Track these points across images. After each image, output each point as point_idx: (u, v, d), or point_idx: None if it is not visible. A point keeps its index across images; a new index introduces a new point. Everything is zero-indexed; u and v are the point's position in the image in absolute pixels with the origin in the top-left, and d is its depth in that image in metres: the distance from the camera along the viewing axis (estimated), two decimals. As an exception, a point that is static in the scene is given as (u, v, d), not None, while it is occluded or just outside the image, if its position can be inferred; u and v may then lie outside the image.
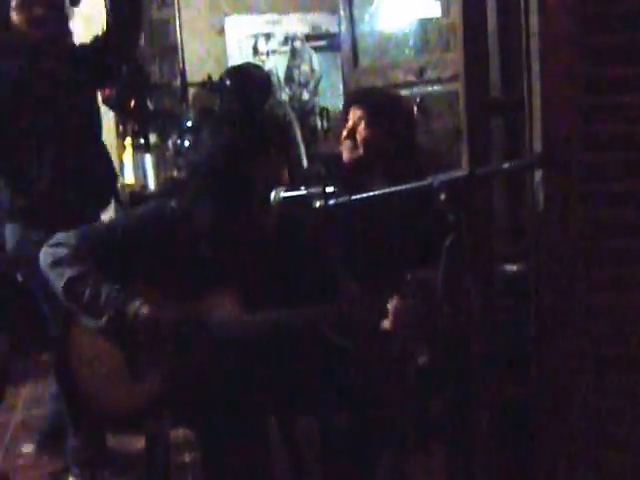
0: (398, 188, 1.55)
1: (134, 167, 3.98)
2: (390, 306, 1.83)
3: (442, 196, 1.37)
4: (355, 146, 2.45)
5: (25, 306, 4.05)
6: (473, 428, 2.00)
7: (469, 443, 1.99)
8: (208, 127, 2.03)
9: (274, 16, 4.49)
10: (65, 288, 1.82)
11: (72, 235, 1.91)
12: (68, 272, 1.82)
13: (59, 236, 1.90)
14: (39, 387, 3.82)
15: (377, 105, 2.47)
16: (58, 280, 1.83)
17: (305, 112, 4.51)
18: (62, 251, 1.85)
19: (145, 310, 1.80)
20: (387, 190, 1.58)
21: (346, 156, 2.47)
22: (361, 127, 2.43)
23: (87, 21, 4.19)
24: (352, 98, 2.59)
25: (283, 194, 1.82)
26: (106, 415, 1.92)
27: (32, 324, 4.03)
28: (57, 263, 1.83)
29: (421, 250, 2.43)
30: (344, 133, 2.47)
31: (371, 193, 1.62)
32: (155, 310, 1.81)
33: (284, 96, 4.52)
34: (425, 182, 1.42)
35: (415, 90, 3.57)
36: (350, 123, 2.45)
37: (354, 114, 2.46)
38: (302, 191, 1.79)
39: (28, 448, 3.11)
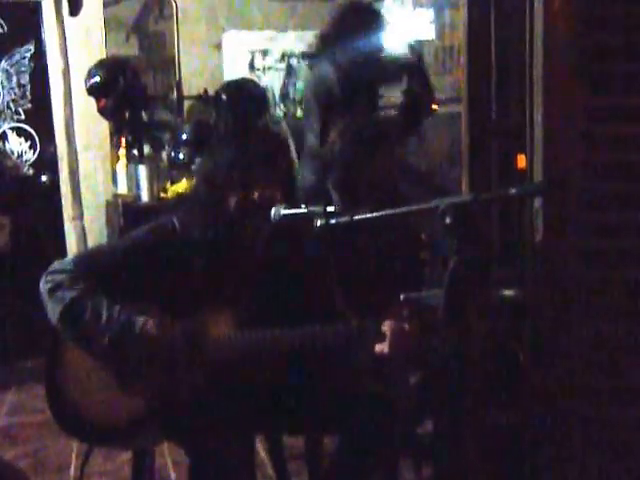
0: (403, 209, 1.56)
1: (127, 178, 3.97)
2: (386, 329, 1.84)
3: (447, 219, 1.38)
4: None
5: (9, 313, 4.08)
6: (463, 452, 2.01)
7: (459, 466, 1.99)
8: (208, 143, 2.03)
9: (271, 33, 4.51)
10: (64, 311, 1.80)
11: (70, 261, 1.90)
12: (68, 295, 1.81)
13: (56, 264, 1.88)
14: (22, 394, 3.80)
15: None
16: (57, 305, 1.81)
17: (298, 129, 4.53)
18: (60, 277, 1.83)
19: (151, 328, 1.80)
20: (390, 211, 1.59)
21: None
22: None
23: (87, 32, 4.21)
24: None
25: (283, 211, 1.83)
26: (93, 427, 1.90)
27: (16, 331, 4.05)
28: (56, 288, 1.82)
29: (407, 273, 2.47)
30: None
31: (374, 214, 1.63)
32: (161, 327, 1.81)
33: (279, 112, 4.54)
34: (431, 205, 1.43)
35: (410, 111, 3.60)
36: None
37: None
38: (302, 209, 1.79)
39: (10, 455, 3.09)
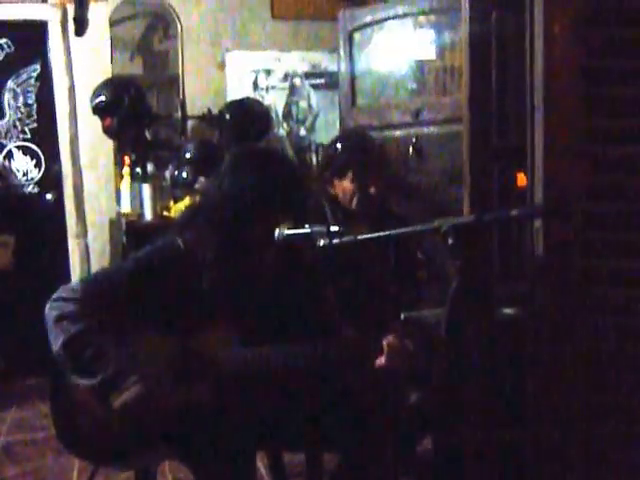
0: (404, 230, 1.58)
1: (131, 196, 4.00)
2: (385, 343, 1.87)
3: (450, 240, 1.40)
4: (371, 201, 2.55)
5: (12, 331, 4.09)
6: (463, 469, 2.02)
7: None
8: (212, 163, 2.04)
9: (275, 53, 4.55)
10: (67, 342, 1.78)
11: (78, 288, 1.88)
12: (73, 328, 1.79)
13: (63, 290, 1.87)
14: (23, 412, 3.80)
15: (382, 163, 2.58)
16: (61, 335, 1.79)
17: (301, 148, 4.57)
18: (68, 307, 1.82)
19: (138, 389, 1.77)
20: (392, 232, 1.61)
21: (355, 208, 2.55)
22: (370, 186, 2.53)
23: (93, 52, 4.26)
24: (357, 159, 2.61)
25: (287, 231, 1.85)
26: (96, 446, 1.90)
27: (19, 349, 4.06)
28: (62, 318, 1.81)
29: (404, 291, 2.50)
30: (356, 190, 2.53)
31: (376, 234, 1.65)
32: (149, 394, 1.79)
33: (282, 131, 4.57)
34: (433, 225, 1.45)
35: (411, 131, 3.64)
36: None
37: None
38: (306, 229, 1.81)
39: (11, 473, 3.09)
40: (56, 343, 1.80)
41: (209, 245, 1.91)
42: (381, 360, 1.87)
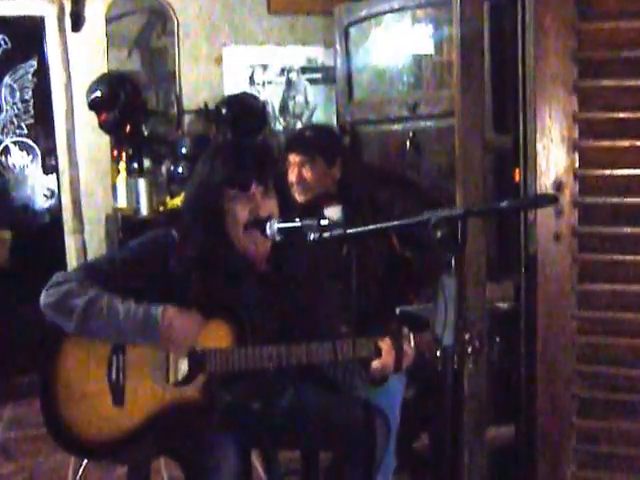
0: (393, 224, 1.56)
1: (127, 191, 4.00)
2: (383, 346, 1.84)
3: (438, 233, 1.38)
4: (305, 189, 2.57)
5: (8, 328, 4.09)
6: (460, 466, 2.01)
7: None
8: (198, 157, 2.06)
9: (271, 48, 4.54)
10: (81, 318, 1.80)
11: (72, 272, 1.91)
12: (79, 301, 1.81)
13: (57, 276, 1.88)
14: (19, 409, 3.81)
15: (312, 147, 2.59)
16: (71, 313, 1.81)
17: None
18: (66, 287, 1.84)
19: (171, 309, 1.82)
20: (382, 225, 1.59)
21: (300, 200, 2.58)
22: (304, 171, 2.55)
23: (89, 47, 4.25)
24: (288, 145, 2.64)
25: (278, 225, 1.84)
26: (87, 442, 1.89)
27: (15, 346, 4.06)
28: (65, 298, 1.82)
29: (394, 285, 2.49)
30: (292, 179, 2.56)
31: (366, 227, 1.63)
32: (180, 311, 1.84)
33: (279, 126, 4.56)
34: (422, 218, 1.44)
35: (408, 125, 3.64)
36: (295, 169, 2.56)
37: (294, 160, 2.57)
38: (297, 223, 1.80)
39: (7, 470, 3.09)
40: (69, 324, 1.82)
41: (197, 237, 1.91)
42: (378, 363, 1.84)
